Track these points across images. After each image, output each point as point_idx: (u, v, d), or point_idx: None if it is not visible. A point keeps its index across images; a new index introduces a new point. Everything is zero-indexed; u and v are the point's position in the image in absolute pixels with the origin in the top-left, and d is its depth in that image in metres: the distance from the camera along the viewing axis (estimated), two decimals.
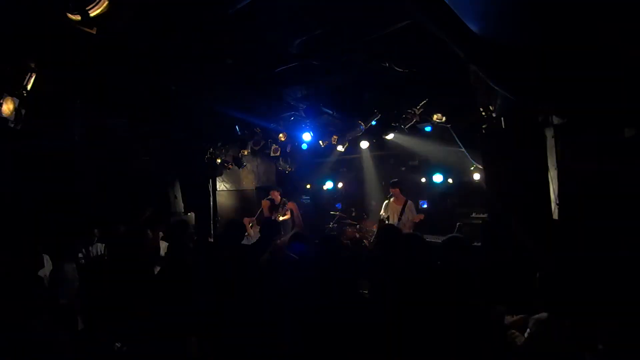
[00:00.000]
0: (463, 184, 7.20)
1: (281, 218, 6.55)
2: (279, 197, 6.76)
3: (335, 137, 5.95)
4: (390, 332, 2.01)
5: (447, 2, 1.87)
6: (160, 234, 4.08)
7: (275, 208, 6.71)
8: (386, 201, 6.26)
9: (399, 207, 6.00)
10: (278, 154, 7.02)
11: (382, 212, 6.27)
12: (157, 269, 3.89)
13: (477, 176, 6.52)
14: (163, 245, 3.93)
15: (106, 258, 3.99)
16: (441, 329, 2.04)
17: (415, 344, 2.00)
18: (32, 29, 2.28)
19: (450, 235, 2.73)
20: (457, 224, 6.01)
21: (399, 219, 5.92)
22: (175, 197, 6.77)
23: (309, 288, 2.27)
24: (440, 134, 6.04)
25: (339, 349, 1.88)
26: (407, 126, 5.23)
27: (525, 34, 1.77)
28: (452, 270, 2.39)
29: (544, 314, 2.16)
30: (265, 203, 5.66)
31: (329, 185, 9.27)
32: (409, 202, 6.05)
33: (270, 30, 3.31)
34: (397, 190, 6.07)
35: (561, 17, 1.53)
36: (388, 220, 6.04)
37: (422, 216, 5.96)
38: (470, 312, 2.18)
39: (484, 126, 5.09)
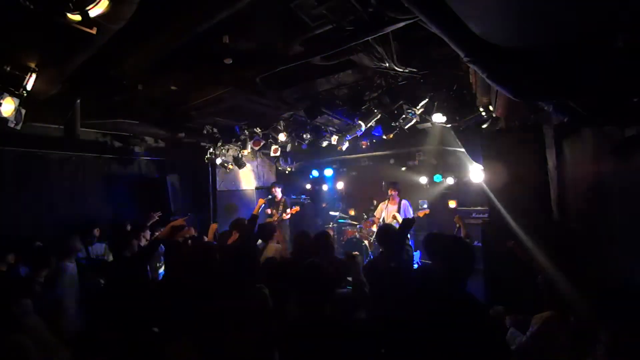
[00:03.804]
0: (463, 184, 7.20)
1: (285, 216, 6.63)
2: (280, 194, 6.83)
3: (335, 137, 5.96)
4: (388, 333, 2.00)
5: (447, 2, 1.87)
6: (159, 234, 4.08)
7: (274, 205, 6.75)
8: (382, 203, 6.38)
9: (395, 208, 6.12)
10: (278, 154, 7.03)
11: (376, 213, 6.36)
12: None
13: (477, 176, 6.51)
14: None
15: (106, 258, 3.99)
16: (440, 330, 2.04)
17: (415, 345, 2.00)
18: (32, 28, 2.28)
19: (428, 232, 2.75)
20: (457, 225, 6.04)
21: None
22: (176, 197, 6.78)
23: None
24: (440, 134, 6.06)
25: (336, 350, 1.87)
26: (407, 126, 5.23)
27: (526, 34, 1.77)
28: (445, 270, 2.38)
29: (547, 313, 2.16)
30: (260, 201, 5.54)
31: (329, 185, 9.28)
32: (403, 201, 6.17)
33: (270, 30, 3.32)
34: (396, 191, 6.18)
35: (562, 17, 1.53)
36: (383, 222, 6.12)
37: (427, 211, 6.12)
38: (469, 312, 2.18)
39: (484, 126, 5.09)
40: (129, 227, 4.62)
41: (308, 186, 9.41)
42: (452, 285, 2.09)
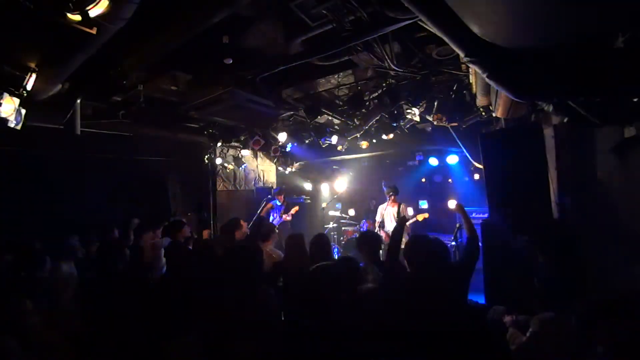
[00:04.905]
0: (463, 184, 7.22)
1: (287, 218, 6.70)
2: (283, 198, 6.93)
3: (335, 137, 5.96)
4: (387, 333, 2.00)
5: (447, 2, 1.87)
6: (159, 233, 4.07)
7: (277, 209, 6.85)
8: (381, 205, 6.39)
9: (394, 210, 6.14)
10: (278, 154, 7.03)
11: (377, 217, 6.38)
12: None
13: (477, 176, 6.54)
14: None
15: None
16: (439, 329, 2.04)
17: (413, 345, 1.99)
18: (32, 28, 2.28)
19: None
20: (457, 224, 6.04)
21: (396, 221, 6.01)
22: (176, 197, 6.78)
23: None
24: (440, 134, 6.08)
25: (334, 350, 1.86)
26: (407, 126, 5.24)
27: (526, 34, 1.77)
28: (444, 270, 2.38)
29: (547, 314, 2.15)
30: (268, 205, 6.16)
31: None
32: (403, 204, 6.19)
33: (270, 30, 3.32)
34: (393, 194, 6.19)
35: (563, 17, 1.53)
36: (384, 224, 6.14)
37: (426, 215, 6.07)
38: (468, 312, 2.18)
39: (483, 126, 5.09)
40: (116, 233, 4.52)
41: (308, 186, 9.40)
42: (448, 289, 2.10)
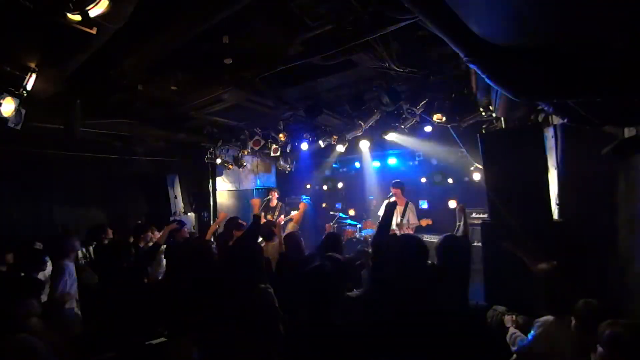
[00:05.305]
0: (463, 184, 7.21)
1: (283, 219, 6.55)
2: (276, 200, 6.81)
3: (335, 137, 5.95)
4: (384, 334, 2.00)
5: (447, 2, 1.87)
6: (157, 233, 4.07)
7: (270, 209, 6.73)
8: (386, 201, 6.21)
9: (400, 208, 5.91)
10: (278, 154, 7.03)
11: (380, 212, 6.25)
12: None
13: (477, 176, 6.54)
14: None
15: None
16: (438, 330, 2.03)
17: (411, 345, 1.99)
18: (32, 28, 2.28)
19: (446, 234, 2.72)
20: (457, 224, 6.02)
21: (400, 220, 5.86)
22: (175, 197, 6.78)
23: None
24: (440, 134, 6.04)
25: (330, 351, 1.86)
26: (407, 126, 5.24)
27: (527, 34, 1.77)
28: (447, 270, 2.38)
29: (550, 317, 2.15)
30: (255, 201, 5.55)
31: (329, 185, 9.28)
32: (410, 203, 6.00)
33: (270, 30, 3.32)
34: (399, 191, 5.98)
35: (564, 17, 1.53)
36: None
37: (429, 221, 5.90)
38: (468, 312, 2.18)
39: (484, 126, 5.09)
40: (110, 234, 4.46)
41: (308, 186, 9.41)
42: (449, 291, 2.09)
